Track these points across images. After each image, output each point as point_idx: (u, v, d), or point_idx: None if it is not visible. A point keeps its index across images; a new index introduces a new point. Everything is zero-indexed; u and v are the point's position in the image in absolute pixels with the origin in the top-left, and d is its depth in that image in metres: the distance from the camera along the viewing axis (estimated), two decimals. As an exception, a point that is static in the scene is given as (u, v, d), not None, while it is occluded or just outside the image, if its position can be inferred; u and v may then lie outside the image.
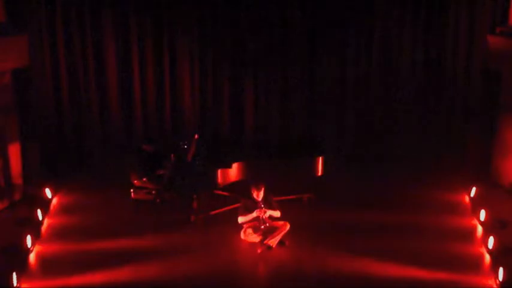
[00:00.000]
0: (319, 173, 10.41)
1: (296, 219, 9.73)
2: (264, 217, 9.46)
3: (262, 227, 9.44)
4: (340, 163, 11.92)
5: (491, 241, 9.27)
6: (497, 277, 8.51)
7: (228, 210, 10.23)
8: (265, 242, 9.34)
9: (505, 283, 8.41)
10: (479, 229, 10.02)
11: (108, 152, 12.35)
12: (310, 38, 12.06)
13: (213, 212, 10.27)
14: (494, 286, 8.50)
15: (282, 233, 9.42)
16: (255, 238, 9.44)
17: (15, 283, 8.33)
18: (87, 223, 10.17)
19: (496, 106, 11.51)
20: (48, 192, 10.91)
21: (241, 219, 9.55)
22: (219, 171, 9.97)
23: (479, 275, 8.78)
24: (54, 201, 10.94)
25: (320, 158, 10.33)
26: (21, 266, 8.83)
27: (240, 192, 10.16)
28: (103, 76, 12.08)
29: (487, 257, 9.20)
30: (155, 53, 12.05)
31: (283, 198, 10.40)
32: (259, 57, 12.10)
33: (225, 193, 10.66)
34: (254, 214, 9.45)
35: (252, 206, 9.52)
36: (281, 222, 9.53)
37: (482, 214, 10.13)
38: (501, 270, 8.48)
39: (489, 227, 9.93)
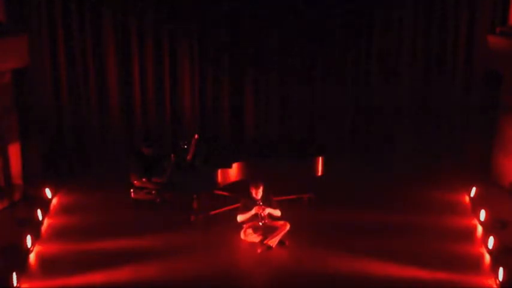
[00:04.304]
0: (319, 173, 10.40)
1: (296, 219, 9.73)
2: (263, 214, 9.46)
3: (261, 223, 9.45)
4: (340, 163, 11.93)
5: (491, 241, 9.27)
6: (497, 277, 8.51)
7: (228, 210, 10.22)
8: (265, 242, 9.34)
9: (505, 283, 8.41)
10: (479, 229, 10.02)
11: (108, 152, 12.36)
12: (310, 38, 12.07)
13: (213, 212, 10.27)
14: (494, 286, 8.50)
15: (282, 233, 9.42)
16: (255, 238, 9.44)
17: (15, 283, 8.33)
18: (87, 223, 10.16)
19: (496, 106, 11.51)
20: (48, 192, 10.91)
21: (240, 218, 9.55)
22: (219, 171, 9.96)
23: (479, 275, 8.77)
24: (54, 201, 10.94)
25: (320, 158, 10.33)
26: (21, 266, 8.82)
27: (240, 192, 10.16)
28: (103, 76, 12.09)
29: (487, 257, 9.20)
30: (155, 53, 12.06)
31: (283, 198, 10.40)
32: (259, 57, 12.12)
33: (225, 193, 10.66)
34: (253, 211, 9.45)
35: (252, 205, 9.53)
36: (281, 222, 9.53)
37: (482, 214, 10.12)
38: (501, 270, 8.48)
39: (489, 227, 9.92)
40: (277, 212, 9.63)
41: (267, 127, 12.56)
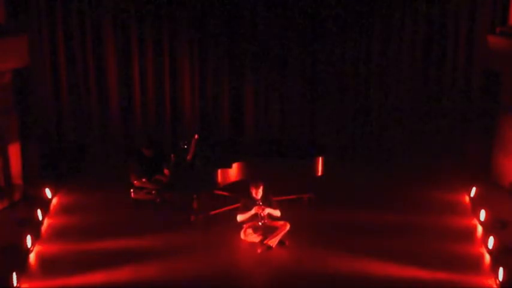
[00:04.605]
0: (319, 173, 10.40)
1: (296, 219, 9.72)
2: (262, 214, 9.46)
3: (261, 223, 9.45)
4: (340, 163, 11.93)
5: (491, 241, 9.27)
6: (497, 277, 8.50)
7: (228, 210, 10.22)
8: (265, 242, 9.34)
9: (505, 283, 8.40)
10: (479, 229, 10.02)
11: (108, 152, 12.37)
12: (310, 38, 12.08)
13: (213, 212, 10.27)
14: (494, 286, 8.50)
15: (282, 233, 9.42)
16: (255, 238, 9.43)
17: (15, 283, 8.33)
18: (87, 223, 10.16)
19: (496, 106, 11.51)
20: (48, 192, 10.91)
21: (240, 217, 9.54)
22: (219, 171, 9.96)
23: (479, 275, 8.77)
24: (54, 201, 10.93)
25: (320, 158, 10.33)
26: (21, 266, 8.82)
27: (239, 192, 10.16)
28: (103, 76, 12.10)
29: (487, 257, 9.20)
30: (155, 53, 12.06)
31: (283, 198, 10.40)
32: (259, 57, 12.12)
33: (225, 193, 10.66)
34: (252, 211, 9.45)
35: (252, 205, 9.52)
36: (281, 222, 9.53)
37: (482, 214, 10.12)
38: (501, 270, 8.48)
39: (489, 227, 9.92)
40: (276, 213, 9.62)
41: (267, 127, 12.55)
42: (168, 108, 12.39)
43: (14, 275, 8.36)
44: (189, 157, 10.24)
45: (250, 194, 9.61)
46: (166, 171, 10.36)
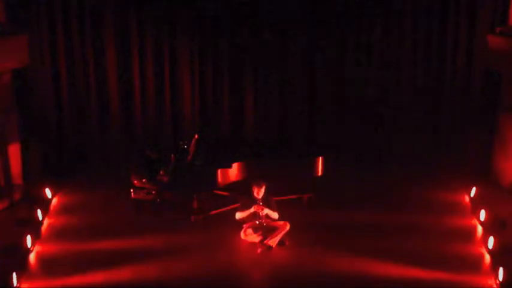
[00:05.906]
0: (319, 173, 10.40)
1: (296, 219, 9.73)
2: (261, 214, 9.46)
3: (258, 222, 9.45)
4: (340, 163, 11.93)
5: (491, 241, 9.27)
6: (497, 277, 8.51)
7: (228, 210, 10.22)
8: (265, 242, 9.34)
9: (505, 283, 8.41)
10: (479, 229, 10.02)
11: (108, 152, 12.36)
12: (310, 37, 12.07)
13: (213, 212, 10.27)
14: (494, 286, 8.50)
15: (282, 233, 9.42)
16: (255, 238, 9.44)
17: (15, 283, 8.33)
18: (87, 223, 10.16)
19: (496, 106, 11.51)
20: (48, 192, 10.91)
21: (238, 215, 9.55)
22: (219, 171, 9.96)
23: (479, 275, 8.78)
24: (54, 201, 10.94)
25: (320, 158, 10.33)
26: (21, 266, 8.82)
27: (239, 191, 10.16)
28: (103, 76, 12.09)
29: (487, 257, 9.20)
30: (155, 53, 12.06)
31: (283, 198, 10.40)
32: (259, 57, 12.12)
33: (225, 193, 10.66)
34: (252, 210, 9.45)
35: (251, 204, 9.52)
36: (281, 222, 9.53)
37: (482, 214, 10.12)
38: (501, 270, 8.48)
39: (489, 227, 9.92)
40: (275, 215, 9.60)
41: (267, 127, 12.55)
42: (168, 108, 12.38)
43: (14, 275, 8.37)
44: (189, 157, 10.24)
45: (251, 193, 9.61)
46: (161, 171, 10.36)
